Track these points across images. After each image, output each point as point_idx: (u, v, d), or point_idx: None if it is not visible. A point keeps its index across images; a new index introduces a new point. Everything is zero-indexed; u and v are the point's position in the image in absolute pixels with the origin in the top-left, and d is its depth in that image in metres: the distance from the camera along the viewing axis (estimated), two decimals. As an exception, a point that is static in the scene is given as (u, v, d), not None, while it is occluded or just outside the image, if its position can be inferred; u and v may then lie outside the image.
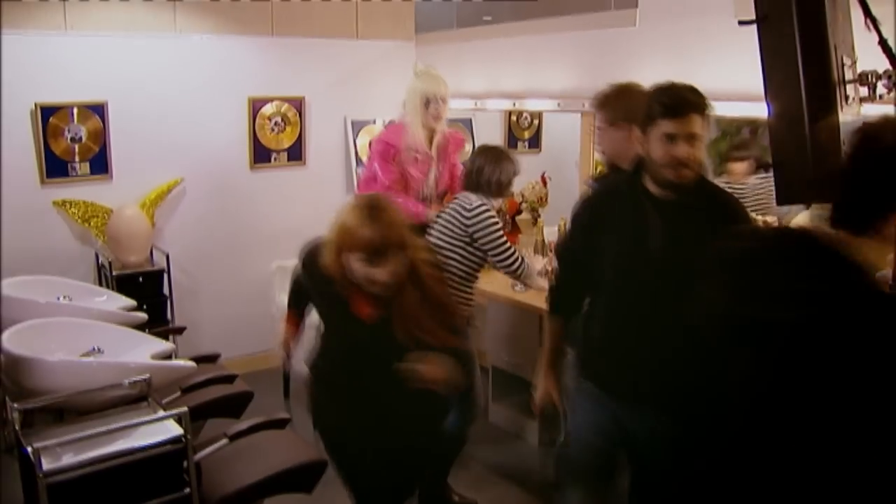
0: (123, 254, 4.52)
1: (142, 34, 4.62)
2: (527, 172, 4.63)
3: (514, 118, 5.52)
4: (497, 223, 3.42)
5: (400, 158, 3.93)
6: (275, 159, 5.22)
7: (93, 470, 2.08)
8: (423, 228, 3.58)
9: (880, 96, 2.33)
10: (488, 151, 3.57)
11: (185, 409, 2.25)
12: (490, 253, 3.41)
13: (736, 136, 5.00)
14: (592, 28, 4.31)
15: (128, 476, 2.15)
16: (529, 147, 5.66)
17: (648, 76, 3.97)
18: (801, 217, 3.41)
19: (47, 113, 4.41)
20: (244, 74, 5.03)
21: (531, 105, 4.79)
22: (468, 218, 3.39)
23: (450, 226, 3.47)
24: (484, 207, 3.39)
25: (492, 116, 5.42)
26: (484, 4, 5.60)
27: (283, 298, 4.57)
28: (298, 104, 5.23)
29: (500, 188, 3.48)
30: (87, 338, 2.74)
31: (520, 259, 3.45)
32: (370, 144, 4.40)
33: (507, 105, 4.93)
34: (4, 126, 4.13)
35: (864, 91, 2.37)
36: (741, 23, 2.36)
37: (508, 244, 3.43)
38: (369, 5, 5.42)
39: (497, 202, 3.53)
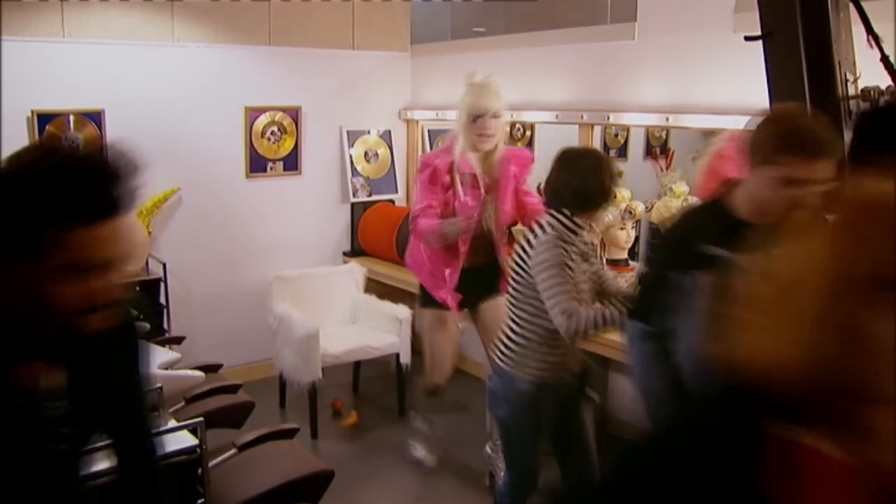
0: (120, 263, 4.49)
1: (139, 42, 4.62)
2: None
3: (507, 129, 5.56)
4: (548, 261, 2.55)
5: (444, 181, 3.49)
6: (271, 169, 5.22)
7: (110, 480, 2.08)
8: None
9: (883, 111, 2.37)
10: (566, 154, 2.70)
11: (201, 419, 2.25)
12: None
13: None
14: (591, 41, 4.35)
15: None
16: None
17: (647, 90, 4.04)
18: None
19: (44, 120, 4.39)
20: (241, 83, 5.04)
21: (528, 116, 4.83)
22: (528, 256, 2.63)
23: (516, 270, 2.69)
24: (545, 238, 2.58)
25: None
26: (478, 16, 5.65)
27: (281, 308, 4.63)
28: (294, 114, 5.24)
29: (583, 202, 2.61)
30: (95, 348, 2.74)
31: (566, 313, 2.50)
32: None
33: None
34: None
35: (866, 106, 2.42)
36: (747, 38, 2.41)
37: (556, 290, 2.53)
38: (365, 16, 5.45)
39: (585, 222, 2.66)
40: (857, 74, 2.45)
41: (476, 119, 3.38)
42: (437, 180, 3.47)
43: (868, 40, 2.38)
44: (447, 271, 3.59)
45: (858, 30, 2.39)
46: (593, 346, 3.73)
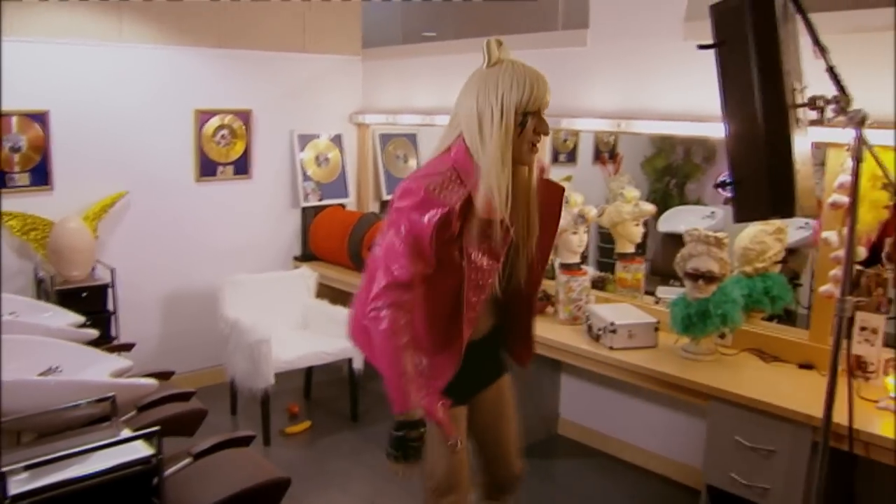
0: (66, 268, 4.40)
1: (85, 42, 4.52)
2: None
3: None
4: None
5: (454, 230, 2.17)
6: (221, 172, 5.16)
7: (62, 492, 2.03)
8: None
9: (829, 120, 2.44)
10: None
11: (157, 428, 2.21)
12: None
13: (671, 155, 5.16)
14: (542, 47, 4.38)
15: (98, 498, 2.10)
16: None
17: (598, 96, 4.09)
18: (746, 232, 3.53)
19: (-14, 122, 4.28)
20: (190, 86, 4.97)
21: (480, 121, 4.83)
22: None
23: None
24: None
25: (439, 132, 5.45)
26: (429, 21, 5.66)
27: (232, 313, 4.57)
28: (245, 117, 5.19)
29: None
30: (43, 356, 2.67)
31: None
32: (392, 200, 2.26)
33: (455, 121, 4.98)
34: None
35: (813, 114, 2.48)
36: (700, 47, 2.46)
37: None
38: (317, 20, 5.42)
39: None
40: (805, 84, 2.51)
41: (529, 117, 2.21)
42: (447, 231, 2.15)
43: (814, 51, 2.44)
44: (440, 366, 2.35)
45: (806, 41, 2.46)
46: (547, 350, 3.76)
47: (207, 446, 2.60)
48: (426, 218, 2.12)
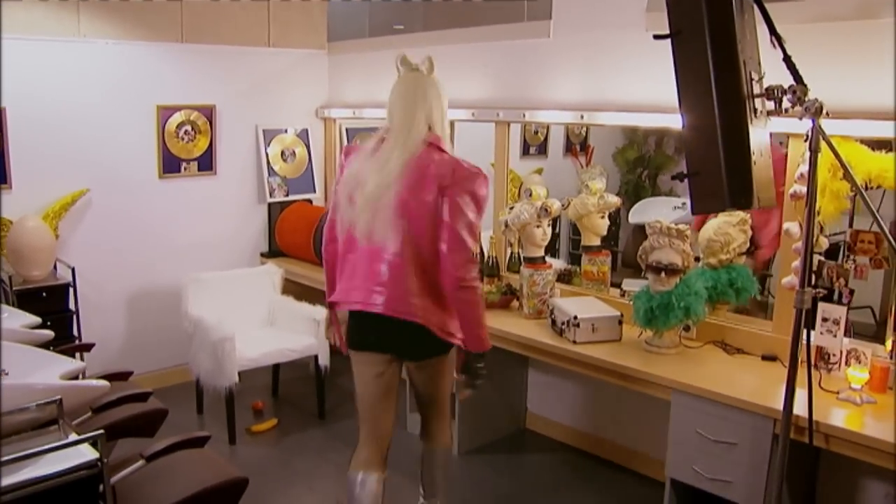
0: (25, 267, 4.32)
1: (43, 38, 4.42)
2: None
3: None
4: None
5: None
6: (185, 169, 5.09)
7: (5, 499, 1.98)
8: None
9: (786, 110, 2.43)
10: None
11: (101, 431, 2.15)
12: None
13: (643, 146, 5.16)
14: (507, 39, 4.36)
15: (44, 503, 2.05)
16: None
17: (562, 88, 4.06)
18: (710, 223, 3.51)
19: (-61, 120, 4.19)
20: (152, 81, 4.88)
21: (446, 114, 4.79)
22: None
23: None
24: None
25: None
26: (396, 13, 5.60)
27: (196, 311, 4.51)
28: (209, 113, 5.11)
29: None
30: (-10, 359, 2.61)
31: None
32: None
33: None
34: None
35: (770, 105, 2.47)
36: (656, 37, 2.43)
37: None
38: (281, 13, 5.35)
39: None
40: (762, 74, 2.49)
41: None
42: None
43: (771, 41, 2.43)
44: None
45: (762, 31, 2.44)
46: (512, 345, 3.74)
47: (161, 448, 2.55)
48: (488, 185, 2.82)
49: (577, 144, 5.40)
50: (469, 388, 2.89)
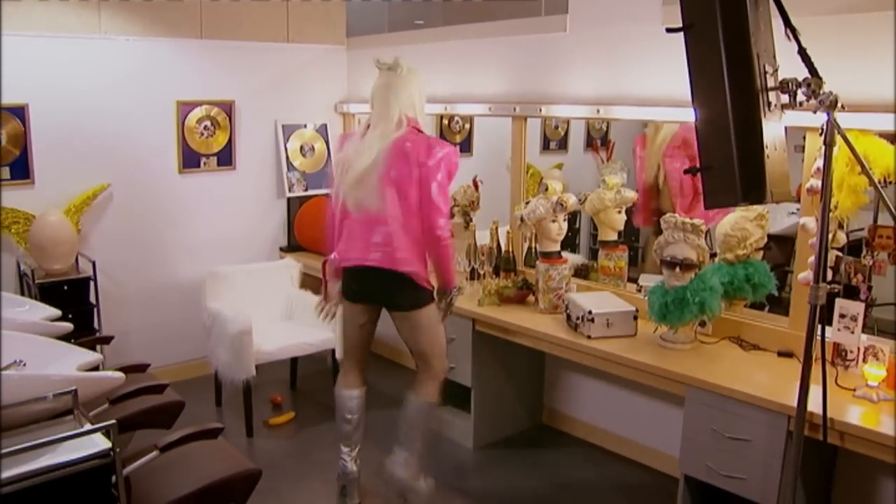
0: (47, 261, 4.38)
1: (64, 35, 4.48)
2: (459, 176, 4.65)
3: (445, 122, 5.54)
4: None
5: None
6: (204, 164, 5.13)
7: (16, 488, 2.01)
8: None
9: (800, 103, 2.40)
10: None
11: (113, 421, 2.18)
12: None
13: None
14: (523, 33, 4.35)
15: (55, 493, 2.08)
16: (461, 151, 5.68)
17: (578, 82, 4.05)
18: (727, 218, 3.49)
19: (-37, 116, 4.25)
20: (172, 77, 4.93)
21: (462, 109, 4.81)
22: None
23: None
24: None
25: (424, 120, 5.40)
26: (416, 9, 5.60)
27: (214, 304, 4.55)
28: (228, 108, 5.15)
29: None
30: (9, 350, 2.64)
31: None
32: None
33: (438, 109, 4.94)
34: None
35: (785, 98, 2.44)
36: (669, 30, 2.42)
37: None
38: (300, 9, 5.37)
39: None
40: (777, 66, 2.47)
41: None
42: None
43: (786, 33, 2.40)
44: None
45: (778, 23, 2.42)
46: (528, 340, 3.74)
47: (174, 439, 2.57)
48: (457, 156, 3.37)
49: (598, 139, 5.37)
50: (444, 315, 3.53)
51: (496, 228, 4.47)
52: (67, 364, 2.72)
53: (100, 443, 2.22)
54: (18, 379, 2.48)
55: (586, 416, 4.35)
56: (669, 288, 3.29)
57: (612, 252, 4.08)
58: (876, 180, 2.41)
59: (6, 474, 2.01)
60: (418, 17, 5.70)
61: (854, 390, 2.84)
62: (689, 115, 3.43)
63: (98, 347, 3.77)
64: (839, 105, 2.30)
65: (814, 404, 2.54)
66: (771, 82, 2.41)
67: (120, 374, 2.73)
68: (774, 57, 2.50)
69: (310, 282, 5.11)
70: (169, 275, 5.10)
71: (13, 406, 2.33)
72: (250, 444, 4.29)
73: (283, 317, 4.92)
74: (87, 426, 2.29)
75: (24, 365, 2.60)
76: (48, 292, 4.27)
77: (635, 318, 3.49)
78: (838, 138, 2.34)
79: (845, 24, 2.98)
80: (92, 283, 4.52)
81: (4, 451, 2.01)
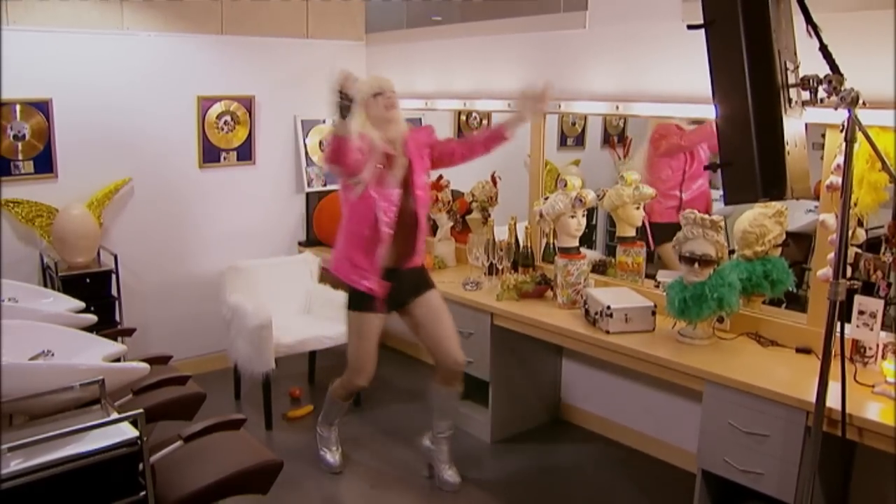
0: (70, 254, 4.44)
1: (87, 30, 4.53)
2: (477, 171, 4.68)
3: (463, 118, 5.56)
4: None
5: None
6: (224, 159, 5.17)
7: (47, 475, 2.05)
8: None
9: (821, 100, 2.40)
10: None
11: (140, 410, 2.22)
12: None
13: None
14: (543, 30, 4.36)
15: (83, 480, 2.12)
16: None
17: (597, 78, 4.06)
18: (746, 215, 3.49)
19: (-11, 110, 4.30)
20: (193, 73, 4.97)
21: (481, 105, 4.83)
22: None
23: None
24: None
25: (442, 116, 5.44)
26: (434, 5, 5.62)
27: (234, 298, 4.59)
28: (248, 103, 5.19)
29: None
30: (36, 340, 2.69)
31: None
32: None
33: (457, 105, 4.96)
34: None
35: (806, 95, 2.45)
36: (689, 27, 2.43)
37: None
38: (319, 5, 5.41)
39: None
40: (798, 63, 2.48)
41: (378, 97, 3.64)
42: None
43: (808, 30, 2.41)
44: (370, 256, 3.53)
45: (799, 19, 2.42)
46: (546, 334, 3.76)
47: (198, 429, 2.61)
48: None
49: (615, 136, 5.37)
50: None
51: (514, 224, 4.49)
52: (93, 354, 2.77)
53: (127, 431, 2.26)
54: (46, 368, 2.54)
55: (603, 411, 4.37)
56: (688, 284, 3.30)
57: (630, 248, 4.09)
58: (896, 177, 2.41)
59: (38, 461, 2.05)
60: (436, 13, 5.72)
61: (873, 387, 2.84)
62: (708, 112, 3.47)
63: (120, 339, 3.81)
64: (860, 101, 2.31)
65: (832, 400, 2.55)
66: (792, 79, 2.42)
67: (145, 365, 2.78)
68: (795, 53, 2.51)
69: (328, 276, 5.14)
70: (189, 268, 5.15)
71: (42, 395, 2.38)
72: (269, 437, 4.33)
73: (301, 311, 4.96)
74: (115, 415, 2.33)
75: (52, 355, 2.65)
76: (71, 285, 4.32)
77: (654, 313, 3.51)
78: (859, 135, 2.35)
79: (867, 21, 2.98)
80: (114, 277, 4.57)
81: (34, 438, 2.05)
